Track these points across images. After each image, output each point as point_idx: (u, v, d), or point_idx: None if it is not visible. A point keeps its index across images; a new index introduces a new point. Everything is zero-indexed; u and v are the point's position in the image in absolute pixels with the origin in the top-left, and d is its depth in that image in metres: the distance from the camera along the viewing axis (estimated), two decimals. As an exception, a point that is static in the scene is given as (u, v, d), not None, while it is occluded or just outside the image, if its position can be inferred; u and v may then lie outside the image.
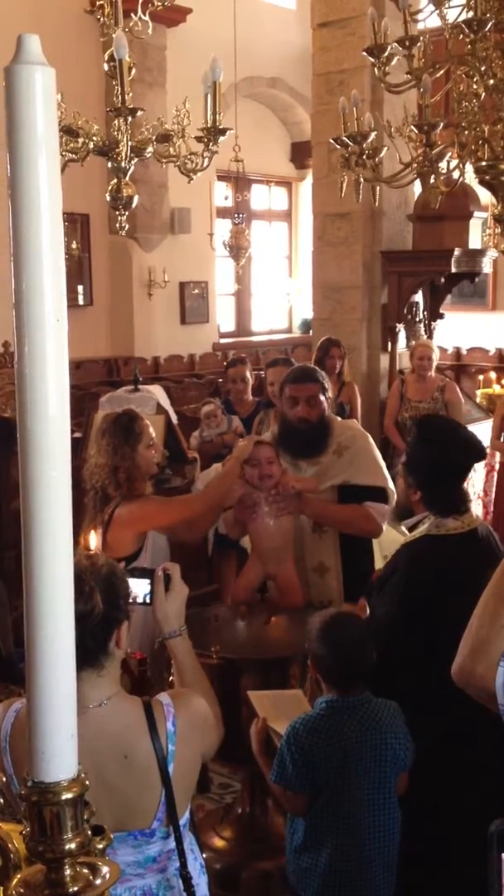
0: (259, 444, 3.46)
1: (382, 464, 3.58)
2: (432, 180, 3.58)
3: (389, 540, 3.64)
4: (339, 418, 3.83)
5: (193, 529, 3.45)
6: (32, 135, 0.67)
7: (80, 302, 9.35)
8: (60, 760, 0.75)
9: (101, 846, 0.80)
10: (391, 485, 3.57)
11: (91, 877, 0.77)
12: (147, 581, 2.17)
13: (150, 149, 3.20)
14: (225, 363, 7.00)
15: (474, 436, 2.90)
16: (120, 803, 1.77)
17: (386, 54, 3.39)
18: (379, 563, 3.71)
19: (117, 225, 3.28)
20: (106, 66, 3.09)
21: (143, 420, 3.35)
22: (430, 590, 2.54)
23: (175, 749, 1.80)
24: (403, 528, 3.81)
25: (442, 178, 3.60)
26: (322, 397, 3.49)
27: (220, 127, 3.09)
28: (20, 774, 1.69)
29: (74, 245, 8.96)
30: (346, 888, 2.38)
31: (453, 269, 7.04)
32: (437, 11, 3.43)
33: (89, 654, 1.76)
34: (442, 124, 3.41)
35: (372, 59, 3.44)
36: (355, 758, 2.35)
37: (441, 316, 7.88)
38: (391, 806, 2.42)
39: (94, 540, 2.27)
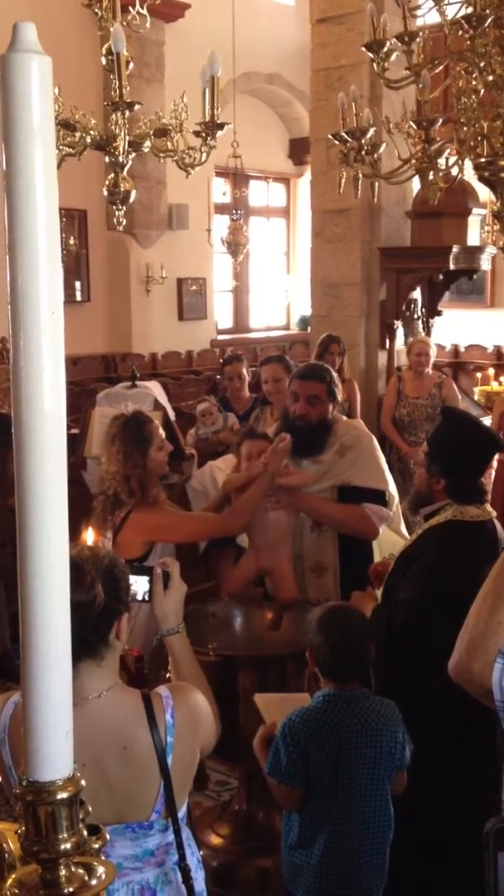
0: (253, 437, 3.47)
1: (385, 467, 3.56)
2: (431, 176, 3.57)
3: (389, 542, 3.64)
4: (345, 418, 3.81)
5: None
6: (28, 124, 0.66)
7: (78, 298, 9.33)
8: (56, 760, 0.74)
9: (96, 846, 0.79)
10: (392, 489, 3.56)
11: (86, 877, 0.76)
12: (146, 578, 2.16)
13: (147, 143, 3.18)
14: (222, 360, 7.00)
15: (491, 428, 2.96)
16: (118, 795, 1.77)
17: (385, 50, 3.38)
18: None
19: (115, 220, 3.27)
20: (104, 61, 3.07)
21: (152, 423, 3.32)
22: (457, 573, 2.55)
23: (174, 741, 1.80)
24: (404, 531, 3.81)
25: (441, 174, 3.59)
26: (326, 397, 3.46)
27: (219, 122, 3.07)
28: (19, 767, 1.69)
29: (72, 241, 8.94)
30: (337, 886, 2.37)
31: (451, 266, 7.02)
32: (436, 7, 3.41)
33: (90, 644, 1.76)
34: (441, 120, 3.40)
35: (371, 55, 3.42)
36: (349, 753, 2.34)
37: (439, 313, 7.87)
38: (384, 805, 2.41)
39: (91, 536, 2.27)
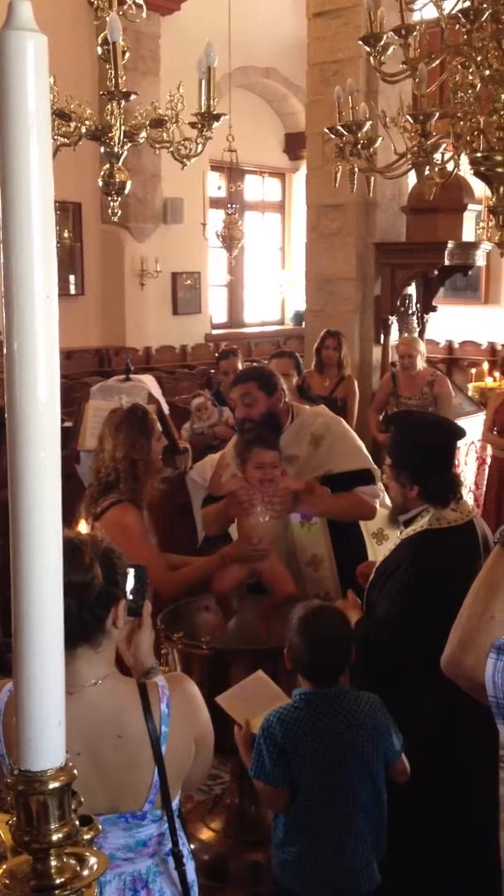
0: (264, 447, 3.40)
1: (360, 444, 3.54)
2: (427, 171, 3.56)
3: (379, 515, 3.62)
4: (306, 406, 3.77)
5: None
6: (23, 103, 0.64)
7: (72, 291, 9.30)
8: (48, 749, 0.74)
9: (88, 836, 0.78)
10: (373, 463, 3.52)
11: (78, 868, 0.76)
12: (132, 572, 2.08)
13: (143, 134, 3.16)
14: (217, 354, 6.99)
15: (445, 418, 2.95)
16: (112, 783, 1.76)
17: (382, 44, 3.36)
18: (368, 545, 3.75)
19: (109, 211, 3.24)
20: (99, 50, 3.05)
21: (152, 414, 3.34)
22: (437, 586, 2.52)
23: (168, 731, 1.79)
24: (387, 501, 3.78)
25: (437, 169, 3.58)
26: (258, 391, 3.41)
27: (215, 112, 3.06)
28: (11, 755, 1.68)
29: (66, 234, 8.91)
30: (326, 882, 2.37)
31: (446, 262, 7.03)
32: (434, 1, 3.40)
33: (88, 629, 1.74)
34: (437, 115, 3.39)
35: (367, 49, 3.41)
36: (328, 751, 2.33)
37: (434, 309, 7.88)
38: (372, 800, 2.40)
39: (84, 528, 2.25)
